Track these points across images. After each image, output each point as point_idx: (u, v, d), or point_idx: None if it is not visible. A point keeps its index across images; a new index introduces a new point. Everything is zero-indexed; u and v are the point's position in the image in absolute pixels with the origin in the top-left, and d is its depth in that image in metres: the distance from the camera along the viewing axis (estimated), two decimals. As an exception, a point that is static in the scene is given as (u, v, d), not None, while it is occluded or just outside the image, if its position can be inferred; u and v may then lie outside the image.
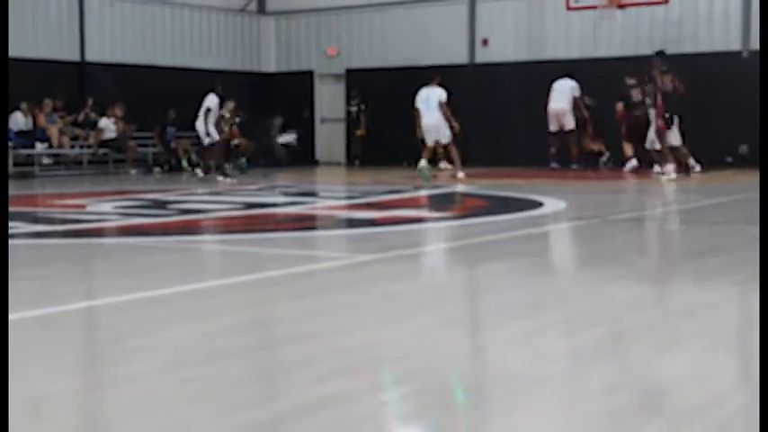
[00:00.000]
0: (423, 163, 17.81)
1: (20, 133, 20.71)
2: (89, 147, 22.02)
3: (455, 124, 18.03)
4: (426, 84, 18.49)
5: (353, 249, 8.48)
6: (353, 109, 25.48)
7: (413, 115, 18.45)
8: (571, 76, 20.75)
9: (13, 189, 17.06)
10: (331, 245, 9.19)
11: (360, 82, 25.25)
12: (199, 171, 19.93)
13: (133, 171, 20.88)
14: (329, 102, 26.23)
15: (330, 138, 26.21)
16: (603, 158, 20.97)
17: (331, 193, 15.97)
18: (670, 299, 5.71)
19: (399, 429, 3.35)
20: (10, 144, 20.18)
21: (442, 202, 12.75)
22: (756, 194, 10.34)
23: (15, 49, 20.72)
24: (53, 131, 21.14)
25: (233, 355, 4.33)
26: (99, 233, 9.77)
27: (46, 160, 21.19)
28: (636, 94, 19.64)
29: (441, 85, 18.43)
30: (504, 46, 23.70)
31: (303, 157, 25.07)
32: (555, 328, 4.89)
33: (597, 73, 21.82)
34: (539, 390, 3.67)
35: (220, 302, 5.78)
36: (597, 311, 5.28)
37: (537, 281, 6.44)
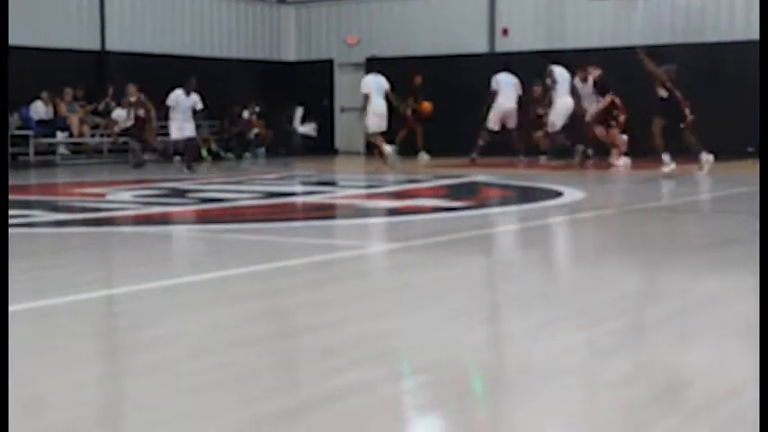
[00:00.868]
0: (389, 149, 17.90)
1: (41, 122, 20.80)
2: (109, 135, 22.08)
3: (407, 111, 18.86)
4: (373, 72, 19.22)
5: (373, 239, 8.49)
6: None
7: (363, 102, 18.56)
8: (511, 71, 20.25)
9: (34, 178, 17.15)
10: (350, 234, 9.20)
11: (380, 71, 25.22)
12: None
13: (145, 157, 20.07)
14: (349, 91, 26.20)
15: (349, 127, 26.18)
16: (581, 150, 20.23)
17: (350, 182, 15.97)
18: (688, 289, 5.70)
19: (417, 419, 3.36)
20: (31, 133, 20.27)
21: (461, 192, 12.74)
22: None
23: (36, 39, 20.82)
24: (74, 120, 21.21)
25: (252, 344, 4.34)
26: (119, 222, 9.81)
27: (63, 150, 21.23)
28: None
29: (381, 73, 19.03)
30: (525, 35, 23.63)
31: (323, 146, 25.08)
32: (572, 319, 4.89)
33: (618, 62, 21.74)
34: (556, 381, 3.67)
35: (239, 291, 5.80)
36: (615, 302, 5.28)
37: (555, 271, 6.44)
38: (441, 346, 4.27)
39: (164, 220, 9.93)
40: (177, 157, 22.13)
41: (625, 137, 18.71)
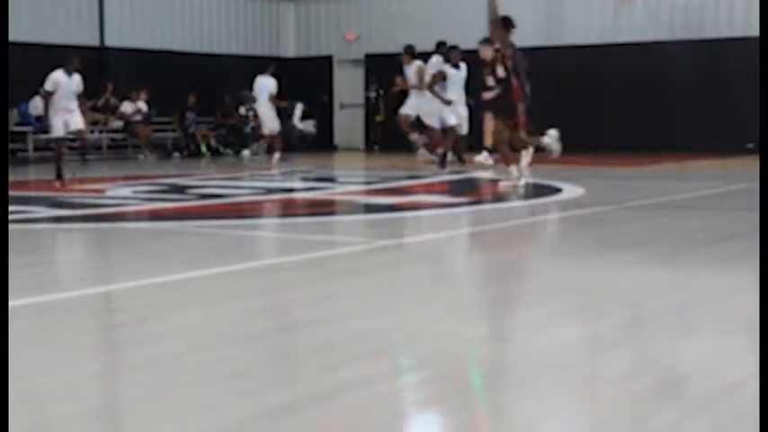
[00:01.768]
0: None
1: (39, 118, 20.77)
2: (109, 131, 22.08)
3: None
4: (262, 72, 18.82)
5: (372, 235, 8.48)
6: (372, 94, 25.45)
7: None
8: (273, 74, 19.45)
9: (33, 174, 17.14)
10: (349, 230, 9.20)
11: (378, 67, 25.21)
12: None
13: (141, 156, 19.37)
14: (348, 87, 26.20)
15: (349, 123, 26.19)
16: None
17: (350, 178, 15.97)
18: (688, 285, 5.70)
19: (416, 415, 3.36)
20: (30, 129, 20.26)
21: (460, 188, 12.74)
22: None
23: (35, 35, 20.81)
24: (73, 116, 21.17)
25: (251, 339, 4.34)
26: (118, 218, 9.80)
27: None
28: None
29: (274, 75, 18.74)
30: (524, 31, 23.59)
31: (322, 142, 25.07)
32: (573, 314, 4.89)
33: (617, 59, 21.76)
34: (556, 375, 3.67)
35: (238, 287, 5.79)
36: (615, 297, 5.28)
37: (555, 266, 6.43)
38: (440, 341, 4.27)
39: (164, 216, 9.92)
40: (176, 153, 22.13)
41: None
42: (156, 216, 10.00)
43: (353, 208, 11.02)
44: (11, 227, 8.64)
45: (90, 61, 22.39)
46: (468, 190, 12.60)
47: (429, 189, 12.60)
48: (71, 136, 14.77)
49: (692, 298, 5.29)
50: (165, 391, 3.51)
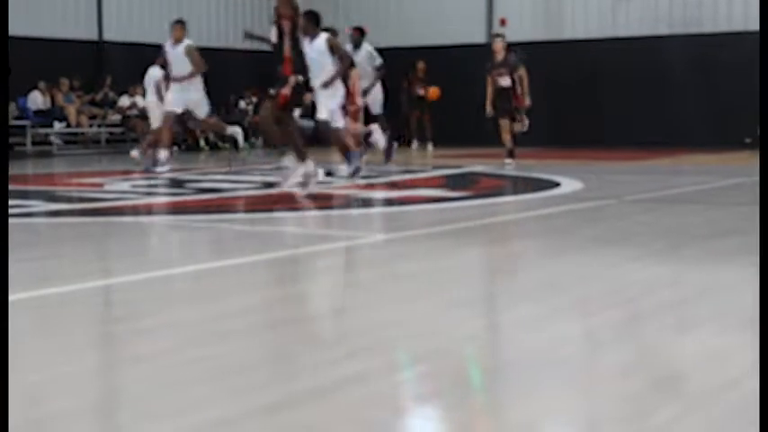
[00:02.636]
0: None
1: (38, 112, 20.77)
2: (107, 126, 22.07)
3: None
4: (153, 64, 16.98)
5: (370, 229, 8.48)
6: (371, 89, 25.44)
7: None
8: (162, 65, 17.13)
9: (31, 168, 17.12)
10: (348, 224, 9.19)
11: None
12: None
13: (134, 152, 16.87)
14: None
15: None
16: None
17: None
18: (687, 280, 5.69)
19: (415, 410, 3.35)
20: (28, 123, 20.25)
21: (459, 182, 12.73)
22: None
23: (33, 29, 20.78)
24: (71, 110, 21.19)
25: (247, 334, 4.34)
26: (116, 212, 9.79)
27: (58, 140, 21.18)
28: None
29: (163, 66, 17.03)
30: (523, 25, 23.60)
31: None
32: (570, 309, 4.88)
33: (616, 53, 21.74)
34: (554, 371, 3.67)
35: (235, 282, 5.79)
36: (613, 293, 5.27)
37: (553, 262, 6.43)
38: (439, 336, 4.26)
39: (162, 210, 9.91)
40: (175, 148, 22.08)
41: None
42: (153, 210, 9.99)
43: (351, 202, 11.01)
44: (9, 221, 8.63)
45: (88, 56, 22.42)
46: (466, 184, 12.59)
47: (426, 183, 12.59)
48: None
49: (690, 293, 5.28)
50: (161, 387, 3.50)
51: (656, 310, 4.83)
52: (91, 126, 21.89)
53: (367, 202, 10.84)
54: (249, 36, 13.36)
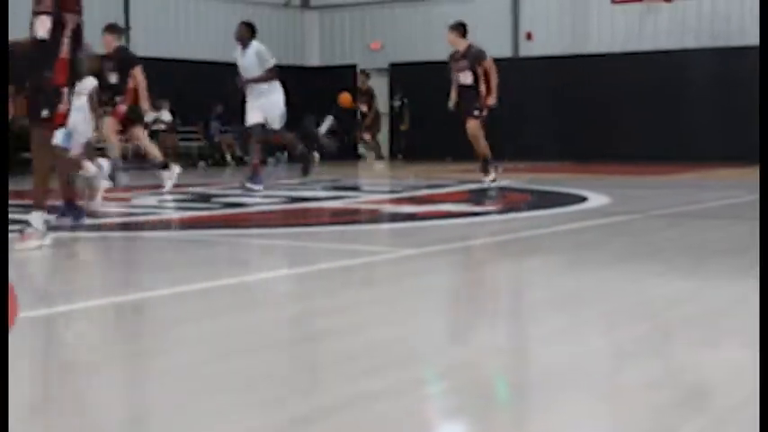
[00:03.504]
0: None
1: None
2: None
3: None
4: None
5: (395, 244, 8.48)
6: (397, 103, 25.48)
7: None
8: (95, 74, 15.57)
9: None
10: (373, 239, 9.19)
11: (403, 76, 25.24)
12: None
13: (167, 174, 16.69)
14: (372, 96, 26.23)
15: (372, 132, 26.19)
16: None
17: (373, 187, 15.97)
18: (712, 295, 5.66)
19: (441, 425, 3.34)
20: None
21: (483, 197, 12.72)
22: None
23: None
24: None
25: (271, 349, 4.34)
26: (144, 226, 9.84)
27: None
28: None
29: (96, 75, 15.32)
30: (549, 39, 23.61)
31: (346, 151, 25.10)
32: (597, 323, 4.86)
33: (643, 66, 21.69)
34: (579, 385, 3.65)
35: (261, 296, 5.80)
36: (639, 307, 5.25)
37: (578, 276, 6.41)
38: (464, 350, 4.25)
39: (188, 224, 9.96)
40: (201, 163, 22.16)
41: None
42: (180, 225, 10.03)
43: (377, 217, 11.02)
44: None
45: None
46: (492, 199, 12.57)
47: (452, 198, 12.58)
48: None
49: (716, 308, 5.25)
50: (185, 401, 3.51)
51: (682, 324, 4.81)
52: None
53: (392, 217, 10.84)
54: None
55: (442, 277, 6.45)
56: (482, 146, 13.98)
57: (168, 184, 13.53)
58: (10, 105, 9.87)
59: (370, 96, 21.68)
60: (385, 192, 14.79)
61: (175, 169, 13.62)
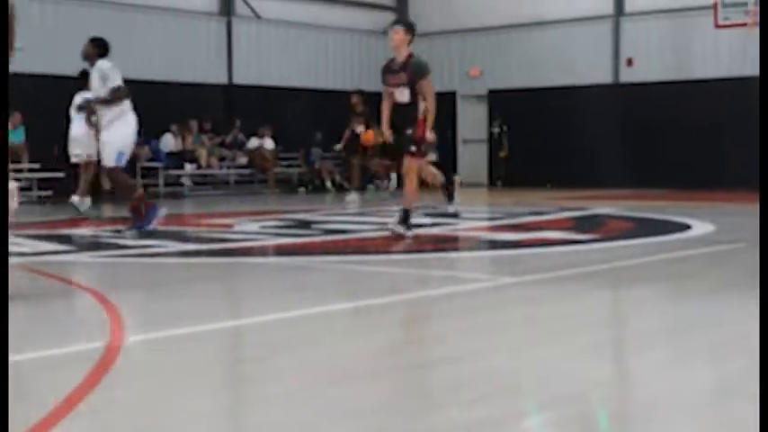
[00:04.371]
0: (77, 199, 14.52)
1: (170, 154, 21.31)
2: (236, 167, 22.55)
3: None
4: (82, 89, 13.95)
5: (496, 272, 8.45)
6: (496, 130, 25.42)
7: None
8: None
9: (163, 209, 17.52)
10: (473, 267, 9.17)
11: (502, 103, 25.19)
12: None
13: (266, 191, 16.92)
14: (471, 122, 26.21)
15: (472, 159, 26.17)
16: None
17: (473, 214, 15.93)
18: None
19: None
20: (160, 165, 20.79)
21: (585, 225, 12.60)
22: None
23: (168, 74, 21.38)
24: (201, 153, 21.69)
25: (376, 376, 4.36)
26: (246, 252, 9.96)
27: (187, 181, 21.67)
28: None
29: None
30: (650, 65, 23.32)
31: (445, 178, 25.09)
32: (700, 355, 4.78)
33: (748, 92, 21.29)
34: (683, 419, 3.60)
35: (364, 323, 5.83)
36: (744, 338, 5.14)
37: (682, 306, 6.32)
38: (567, 381, 4.22)
39: (289, 251, 10.05)
40: (302, 189, 22.34)
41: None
42: (282, 251, 10.13)
43: (477, 244, 10.99)
44: (140, 260, 8.86)
45: (219, 98, 22.98)
46: (594, 226, 12.45)
47: (553, 225, 12.50)
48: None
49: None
50: (291, 427, 3.54)
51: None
52: (220, 168, 22.36)
53: (494, 245, 10.80)
54: None
55: (545, 307, 6.40)
56: (411, 189, 10.74)
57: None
58: None
59: (367, 118, 18.59)
60: (485, 219, 14.76)
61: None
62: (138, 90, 11.47)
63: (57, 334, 5.59)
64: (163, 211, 11.23)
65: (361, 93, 19.40)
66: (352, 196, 18.05)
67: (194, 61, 22.44)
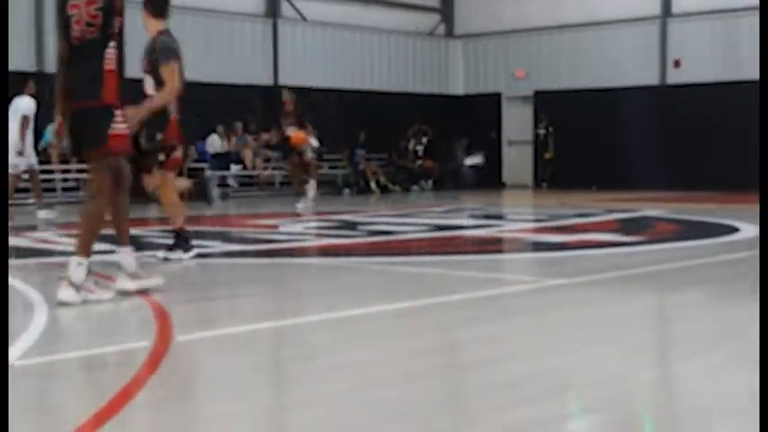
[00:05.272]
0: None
1: (216, 155, 21.43)
2: (281, 168, 22.61)
3: (25, 149, 14.03)
4: (20, 93, 14.08)
5: (541, 273, 8.41)
6: (541, 131, 25.34)
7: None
8: (32, 95, 14.19)
9: (208, 209, 17.63)
10: (519, 268, 9.14)
11: (548, 104, 25.10)
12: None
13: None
14: (517, 124, 26.14)
15: (517, 160, 26.11)
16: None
17: (519, 215, 15.89)
18: None
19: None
20: (206, 165, 20.90)
21: (632, 227, 12.52)
22: None
23: (215, 75, 21.49)
24: (247, 154, 21.78)
25: (422, 377, 4.35)
26: (291, 253, 9.99)
27: (232, 182, 21.77)
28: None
29: (33, 95, 14.17)
30: (698, 66, 23.12)
31: (490, 179, 25.06)
32: (747, 359, 4.73)
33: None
34: (729, 424, 3.56)
35: (409, 324, 5.82)
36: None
37: (730, 309, 6.26)
38: (613, 384, 4.19)
39: (334, 252, 10.07)
40: (346, 190, 22.39)
41: None
42: (327, 252, 10.15)
43: (522, 246, 10.95)
44: (189, 261, 8.89)
45: (264, 99, 23.08)
46: (641, 229, 12.37)
47: (599, 227, 12.43)
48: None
49: None
50: (337, 427, 3.54)
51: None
52: (265, 169, 22.44)
53: (539, 246, 10.76)
54: None
55: (591, 309, 6.37)
56: (173, 203, 8.88)
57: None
58: None
59: (299, 116, 16.77)
60: (530, 220, 14.70)
61: None
62: (185, 92, 11.53)
63: (106, 333, 5.65)
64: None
65: (291, 90, 17.54)
66: (302, 204, 16.33)
67: (240, 62, 22.56)
